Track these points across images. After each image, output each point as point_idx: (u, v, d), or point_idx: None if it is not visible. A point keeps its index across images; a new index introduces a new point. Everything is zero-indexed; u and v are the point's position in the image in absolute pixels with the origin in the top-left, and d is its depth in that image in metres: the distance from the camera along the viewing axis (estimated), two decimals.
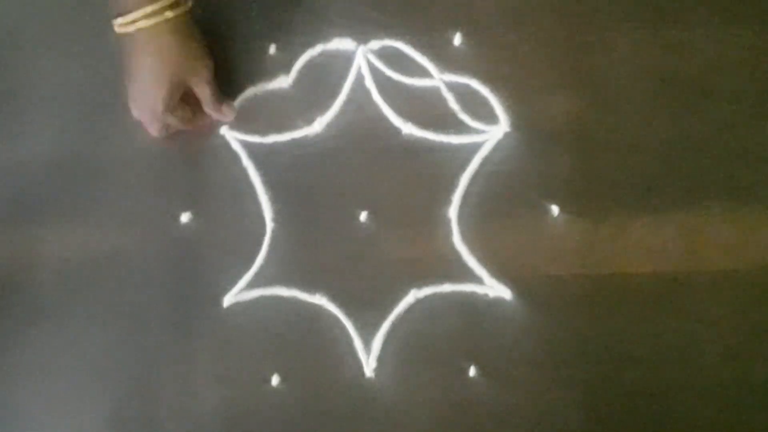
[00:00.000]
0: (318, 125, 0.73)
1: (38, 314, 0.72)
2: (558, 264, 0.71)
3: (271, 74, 0.73)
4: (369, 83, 0.73)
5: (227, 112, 0.71)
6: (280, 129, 0.73)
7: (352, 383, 0.70)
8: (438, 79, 0.73)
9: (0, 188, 0.74)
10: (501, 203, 0.72)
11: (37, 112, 0.74)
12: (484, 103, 0.73)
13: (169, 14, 0.64)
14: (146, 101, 0.67)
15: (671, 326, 0.70)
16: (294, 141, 0.73)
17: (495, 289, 0.71)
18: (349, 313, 0.71)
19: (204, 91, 0.69)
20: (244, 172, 0.72)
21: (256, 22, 0.74)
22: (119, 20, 0.64)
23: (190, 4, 0.67)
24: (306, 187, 0.72)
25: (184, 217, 0.72)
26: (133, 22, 0.63)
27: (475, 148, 0.72)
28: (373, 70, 0.73)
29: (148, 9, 0.63)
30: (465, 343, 0.70)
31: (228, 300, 0.71)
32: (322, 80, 0.73)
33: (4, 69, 0.75)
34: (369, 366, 0.70)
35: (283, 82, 0.73)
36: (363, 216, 0.72)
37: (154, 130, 0.69)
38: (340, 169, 0.72)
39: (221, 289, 0.71)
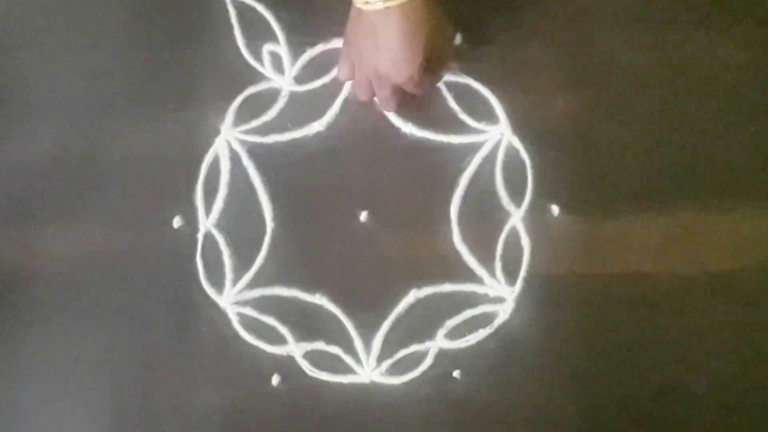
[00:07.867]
0: (318, 125, 0.73)
1: (38, 314, 0.72)
2: (558, 264, 0.71)
3: (271, 74, 0.73)
4: None
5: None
6: (280, 129, 0.73)
7: (352, 383, 0.70)
8: None
9: (0, 188, 0.74)
10: (501, 203, 0.72)
11: (37, 112, 0.74)
12: (484, 103, 0.73)
13: None
14: (403, 68, 0.65)
15: (671, 326, 0.70)
16: (294, 141, 0.73)
17: (495, 289, 0.71)
18: (349, 313, 0.71)
19: (447, 50, 0.69)
20: (244, 172, 0.72)
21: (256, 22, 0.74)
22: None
23: None
24: (306, 187, 0.72)
25: (184, 218, 0.72)
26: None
27: (475, 148, 0.72)
28: None
29: None
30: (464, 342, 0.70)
31: (228, 300, 0.71)
32: (323, 80, 0.73)
33: (4, 69, 0.75)
34: (369, 366, 0.70)
35: (283, 81, 0.73)
36: (363, 216, 0.72)
37: (416, 87, 0.67)
38: (340, 169, 0.72)
39: (221, 289, 0.71)
